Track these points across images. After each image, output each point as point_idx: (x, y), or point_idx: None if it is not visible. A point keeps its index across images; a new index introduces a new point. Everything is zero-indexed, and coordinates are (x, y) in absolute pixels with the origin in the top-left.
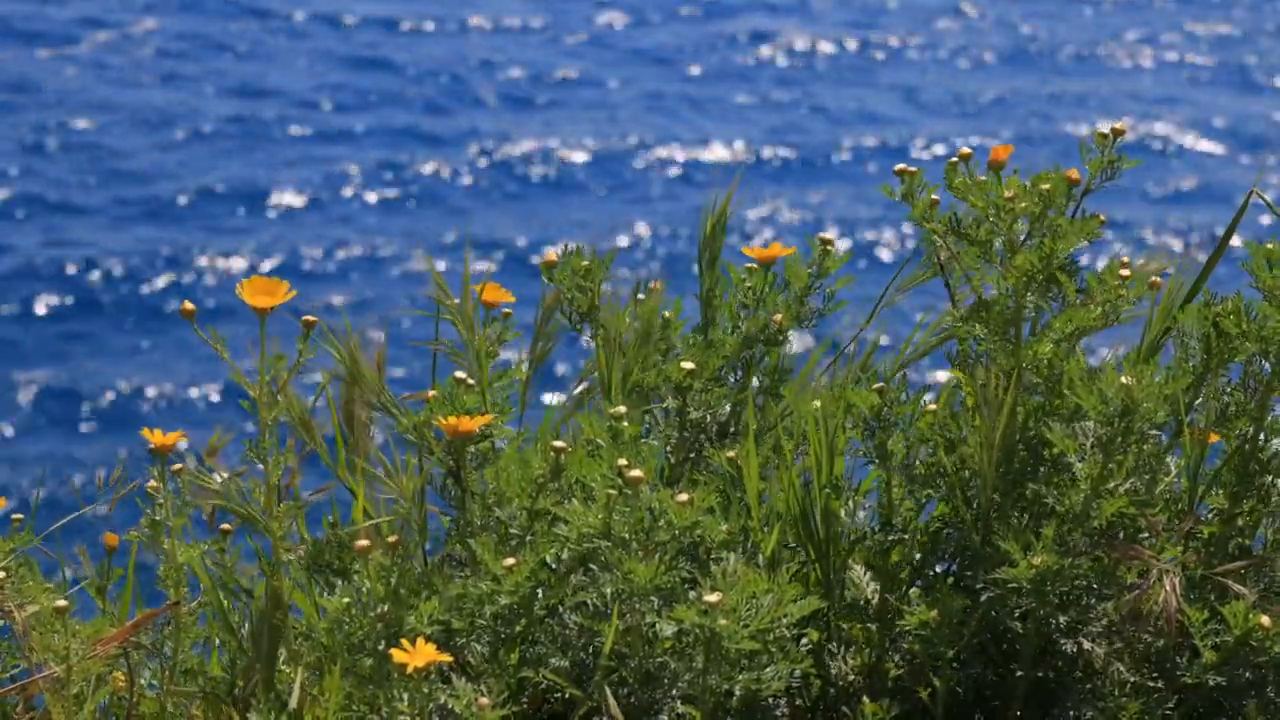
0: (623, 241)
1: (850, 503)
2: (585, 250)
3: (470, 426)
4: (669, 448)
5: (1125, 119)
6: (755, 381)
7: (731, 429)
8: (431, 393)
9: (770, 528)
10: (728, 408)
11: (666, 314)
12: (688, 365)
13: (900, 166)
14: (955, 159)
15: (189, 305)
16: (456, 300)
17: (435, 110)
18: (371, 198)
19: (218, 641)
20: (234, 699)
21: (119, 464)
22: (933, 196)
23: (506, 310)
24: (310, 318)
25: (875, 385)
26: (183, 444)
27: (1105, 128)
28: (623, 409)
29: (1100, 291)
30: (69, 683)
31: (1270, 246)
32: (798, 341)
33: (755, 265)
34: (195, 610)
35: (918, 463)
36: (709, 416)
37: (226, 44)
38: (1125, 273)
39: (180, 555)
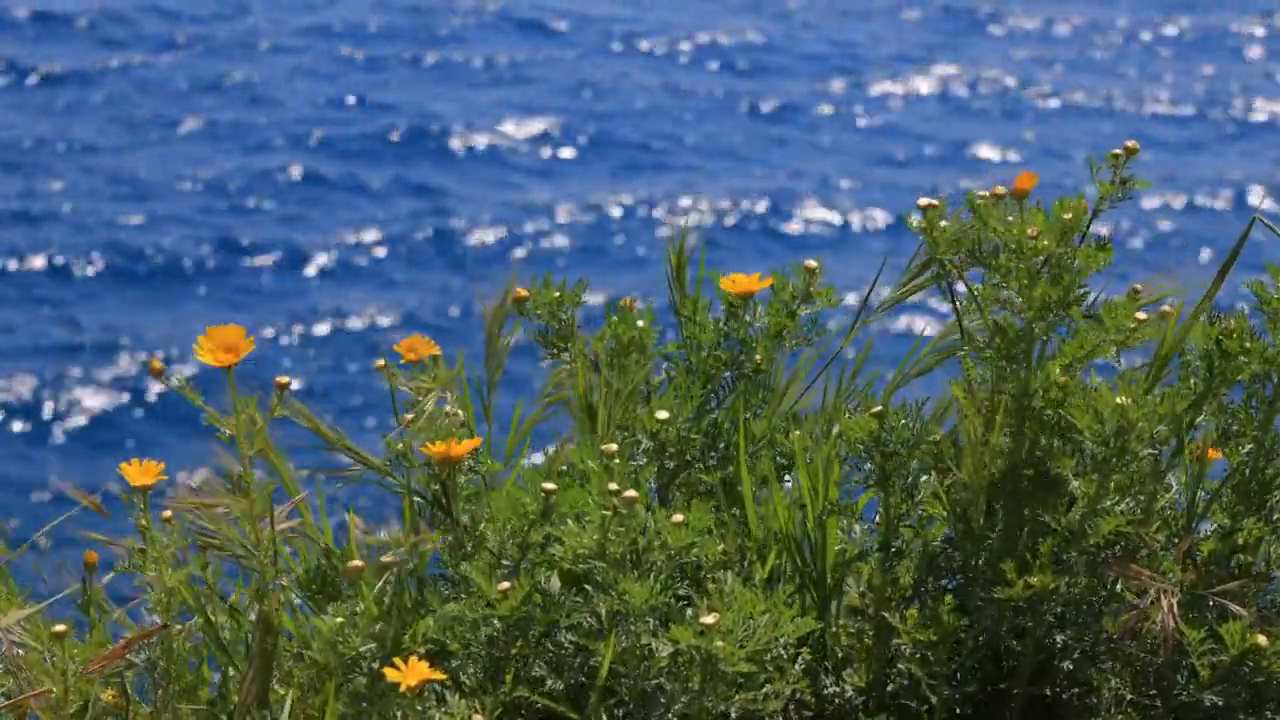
0: (614, 286)
1: (846, 521)
2: (554, 281)
3: (459, 452)
4: (650, 478)
5: (1135, 140)
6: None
7: (717, 448)
8: (409, 418)
9: (768, 548)
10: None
11: (640, 324)
12: (662, 415)
13: (924, 200)
14: (986, 194)
15: (157, 364)
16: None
17: (425, 158)
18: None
19: (210, 660)
20: (227, 717)
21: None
22: (950, 231)
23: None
24: (282, 378)
25: (874, 410)
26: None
27: (1117, 148)
28: (614, 446)
29: (1112, 322)
30: (65, 702)
31: None
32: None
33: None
34: (188, 630)
35: (920, 483)
36: (688, 453)
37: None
38: (1141, 316)
39: (169, 579)
